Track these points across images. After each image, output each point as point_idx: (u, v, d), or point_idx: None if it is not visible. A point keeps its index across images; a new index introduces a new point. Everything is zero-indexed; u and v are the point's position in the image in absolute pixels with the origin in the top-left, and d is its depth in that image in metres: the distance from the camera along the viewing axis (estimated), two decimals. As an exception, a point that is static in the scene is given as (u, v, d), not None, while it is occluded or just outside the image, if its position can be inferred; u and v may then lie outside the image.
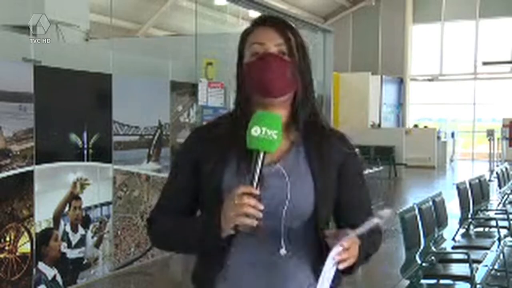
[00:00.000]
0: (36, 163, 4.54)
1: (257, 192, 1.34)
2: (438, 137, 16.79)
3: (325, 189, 1.47)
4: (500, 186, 7.92)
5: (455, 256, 4.70)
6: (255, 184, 1.35)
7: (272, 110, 1.46)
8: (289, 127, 1.49)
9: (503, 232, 5.48)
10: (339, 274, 1.44)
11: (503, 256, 4.40)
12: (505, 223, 5.66)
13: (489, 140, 15.60)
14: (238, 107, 1.53)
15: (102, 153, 5.23)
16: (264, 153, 1.37)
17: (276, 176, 1.44)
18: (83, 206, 5.04)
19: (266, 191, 1.39)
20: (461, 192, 5.86)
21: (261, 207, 1.33)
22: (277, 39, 1.47)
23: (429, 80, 20.23)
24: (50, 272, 4.71)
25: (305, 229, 1.47)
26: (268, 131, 1.37)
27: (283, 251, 1.44)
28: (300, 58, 1.49)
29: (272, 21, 1.51)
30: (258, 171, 1.36)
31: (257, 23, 1.52)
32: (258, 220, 1.33)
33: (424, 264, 4.14)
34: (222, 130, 1.51)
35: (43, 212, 4.63)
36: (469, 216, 5.86)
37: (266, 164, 1.39)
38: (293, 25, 1.53)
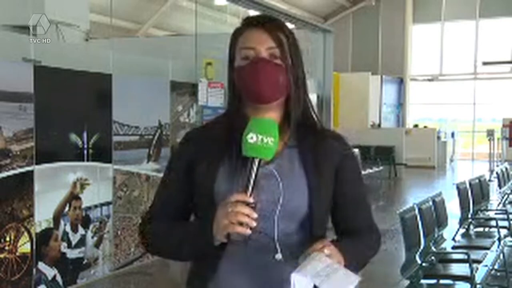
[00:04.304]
0: (36, 163, 4.54)
1: (251, 200, 1.32)
2: (438, 137, 16.79)
3: (319, 191, 1.44)
4: (500, 186, 7.92)
5: (455, 256, 4.69)
6: (249, 192, 1.32)
7: (264, 112, 1.44)
8: (283, 128, 1.45)
9: (503, 232, 5.48)
10: None
11: (503, 256, 4.40)
12: (505, 223, 5.66)
13: (489, 140, 15.60)
14: (231, 108, 1.51)
15: (102, 153, 5.23)
16: (260, 160, 1.35)
17: (269, 177, 1.42)
18: (83, 206, 5.04)
19: (259, 193, 1.37)
20: (461, 192, 5.86)
21: (255, 215, 1.30)
22: (268, 43, 1.43)
23: (429, 80, 20.23)
24: (50, 272, 4.71)
25: (300, 232, 1.45)
26: (264, 138, 1.35)
27: (278, 256, 1.41)
28: (293, 59, 1.46)
29: (263, 22, 1.45)
30: (253, 178, 1.34)
31: (247, 24, 1.47)
32: (251, 229, 1.31)
33: (424, 264, 4.14)
34: (217, 132, 1.49)
35: (43, 212, 4.63)
36: (469, 216, 5.86)
37: (261, 164, 1.37)
38: (284, 24, 1.49)
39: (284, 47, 1.44)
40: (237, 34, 1.47)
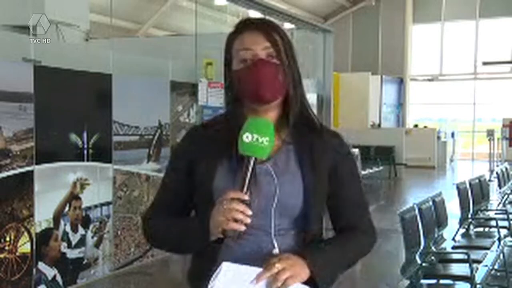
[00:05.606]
0: (36, 163, 4.54)
1: (246, 197, 1.35)
2: (438, 137, 16.79)
3: (314, 188, 1.47)
4: (500, 186, 7.92)
5: (455, 256, 4.70)
6: (244, 190, 1.36)
7: (263, 111, 1.48)
8: (280, 126, 1.49)
9: (503, 232, 5.48)
10: None
11: (503, 256, 4.40)
12: (505, 223, 5.66)
13: (489, 140, 15.59)
14: (230, 109, 1.54)
15: (102, 153, 5.23)
16: (255, 159, 1.39)
17: (266, 174, 1.45)
18: (83, 206, 5.04)
19: (256, 190, 1.41)
20: (461, 192, 5.86)
21: (250, 212, 1.34)
22: (264, 43, 1.46)
23: (429, 80, 20.23)
24: (50, 272, 4.71)
25: (296, 228, 1.48)
26: (259, 138, 1.38)
27: (275, 251, 1.45)
28: (289, 58, 1.49)
29: (256, 24, 1.49)
30: (248, 176, 1.37)
31: (241, 28, 1.50)
32: (246, 225, 1.34)
33: (424, 264, 4.15)
34: (217, 131, 1.52)
35: (43, 212, 4.63)
36: (469, 216, 5.86)
37: (257, 162, 1.40)
38: (278, 25, 1.52)
39: (279, 47, 1.47)
40: (232, 38, 1.51)
